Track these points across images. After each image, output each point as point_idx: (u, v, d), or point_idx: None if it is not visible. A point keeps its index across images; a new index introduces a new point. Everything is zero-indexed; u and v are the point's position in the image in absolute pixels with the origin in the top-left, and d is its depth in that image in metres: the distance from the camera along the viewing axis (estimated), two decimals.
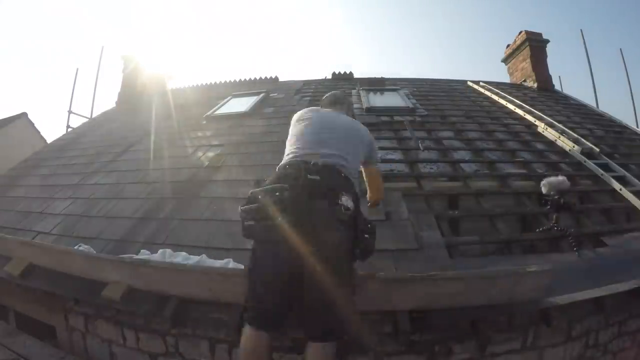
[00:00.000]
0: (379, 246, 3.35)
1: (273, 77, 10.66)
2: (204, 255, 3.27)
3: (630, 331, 3.50)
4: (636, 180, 4.73)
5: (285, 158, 2.44)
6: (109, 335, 3.32)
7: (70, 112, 10.61)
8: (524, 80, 10.52)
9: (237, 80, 10.89)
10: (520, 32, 10.53)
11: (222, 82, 10.99)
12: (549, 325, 2.95)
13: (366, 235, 2.24)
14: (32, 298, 3.71)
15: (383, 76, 10.37)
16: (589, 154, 5.35)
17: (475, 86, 9.67)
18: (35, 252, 3.64)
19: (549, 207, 3.94)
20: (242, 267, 2.98)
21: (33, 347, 3.42)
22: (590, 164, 5.13)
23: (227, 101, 8.38)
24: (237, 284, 2.75)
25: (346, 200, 2.11)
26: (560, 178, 4.12)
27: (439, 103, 7.94)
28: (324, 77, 10.60)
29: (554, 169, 5.12)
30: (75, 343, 3.54)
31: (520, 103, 7.63)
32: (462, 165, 4.92)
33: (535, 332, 3.00)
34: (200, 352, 2.98)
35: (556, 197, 3.93)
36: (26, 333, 3.69)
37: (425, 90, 9.07)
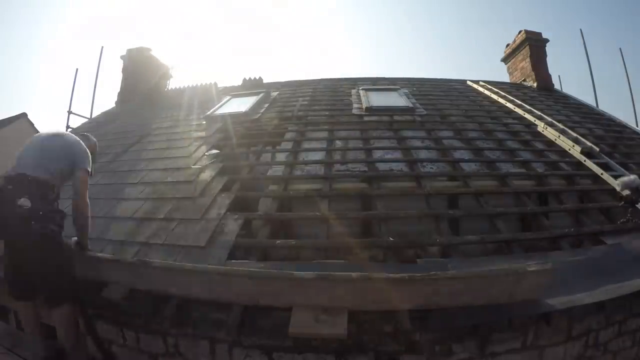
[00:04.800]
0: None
1: (257, 77, 10.55)
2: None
3: (630, 330, 3.50)
4: None
5: None
6: (109, 335, 3.33)
7: (70, 112, 10.58)
8: (524, 80, 10.51)
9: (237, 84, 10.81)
10: (520, 32, 10.52)
11: (222, 83, 10.94)
12: (549, 325, 2.96)
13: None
14: None
15: (383, 76, 10.40)
16: (588, 153, 5.34)
17: (475, 85, 9.67)
18: None
19: (623, 203, 4.22)
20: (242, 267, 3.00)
21: (33, 347, 3.43)
22: (590, 163, 5.13)
23: (227, 101, 8.36)
24: (237, 283, 2.76)
25: (24, 201, 2.75)
26: (632, 177, 4.38)
27: (438, 102, 7.95)
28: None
29: (554, 168, 5.13)
30: None
31: (520, 102, 7.63)
32: (462, 164, 4.93)
33: (536, 331, 3.01)
34: (200, 352, 2.98)
35: (629, 194, 4.21)
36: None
37: (425, 90, 9.06)
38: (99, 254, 3.46)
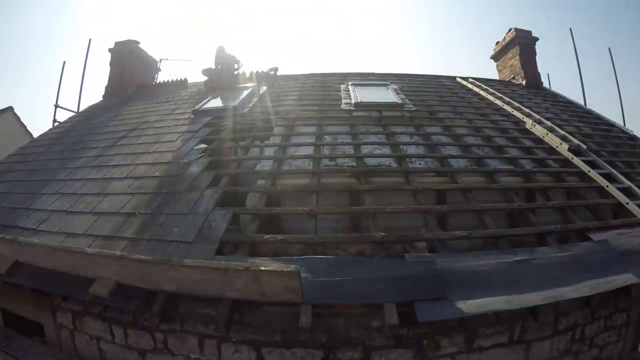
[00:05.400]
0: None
1: (242, 72, 10.43)
2: None
3: (616, 325, 3.55)
4: (622, 178, 4.78)
5: None
6: (97, 332, 3.31)
7: (56, 106, 10.47)
8: (513, 77, 10.56)
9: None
10: (510, 30, 10.55)
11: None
12: (536, 319, 3.00)
13: None
14: (19, 296, 3.68)
15: (372, 71, 10.39)
16: (576, 151, 5.39)
17: (464, 82, 9.69)
18: (21, 249, 3.61)
19: None
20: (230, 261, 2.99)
21: (22, 346, 3.42)
22: (577, 160, 5.18)
23: (216, 95, 8.31)
24: (223, 275, 2.78)
25: None
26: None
27: (427, 98, 7.95)
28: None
29: (542, 165, 5.17)
30: (63, 340, 3.52)
31: (509, 100, 7.67)
32: (450, 160, 4.94)
33: (523, 326, 3.04)
34: (189, 347, 2.98)
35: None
36: (15, 331, 3.69)
37: (414, 86, 9.06)
38: (85, 249, 3.44)
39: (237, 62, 9.35)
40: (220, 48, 9.15)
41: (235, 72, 9.17)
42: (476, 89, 8.86)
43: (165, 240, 3.66)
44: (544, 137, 5.95)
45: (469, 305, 2.72)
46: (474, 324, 2.91)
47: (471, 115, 7.01)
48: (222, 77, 8.93)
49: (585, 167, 5.01)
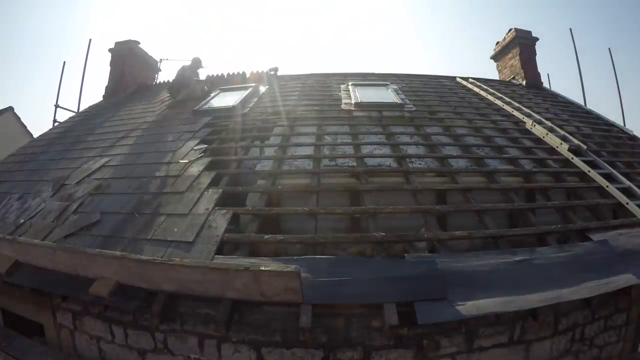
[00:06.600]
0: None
1: (241, 72, 10.41)
2: None
3: (616, 325, 3.55)
4: (622, 178, 4.78)
5: None
6: (97, 332, 3.31)
7: (56, 106, 10.47)
8: (513, 78, 10.56)
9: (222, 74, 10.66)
10: (510, 30, 10.55)
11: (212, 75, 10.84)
12: (536, 319, 2.99)
13: None
14: (19, 296, 3.68)
15: (372, 71, 10.38)
16: (576, 151, 5.39)
17: (464, 82, 9.67)
18: (21, 249, 3.61)
19: None
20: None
21: (22, 346, 3.41)
22: (577, 160, 5.17)
23: (216, 95, 8.31)
24: (223, 275, 2.78)
25: None
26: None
27: (427, 99, 7.95)
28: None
29: (542, 165, 5.17)
30: (63, 340, 3.52)
31: (509, 100, 7.67)
32: (450, 160, 4.95)
33: (523, 326, 3.04)
34: (189, 347, 2.98)
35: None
36: (15, 331, 3.69)
37: (415, 86, 9.05)
38: (85, 249, 3.44)
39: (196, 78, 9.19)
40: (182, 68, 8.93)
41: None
42: (476, 89, 8.86)
43: (165, 240, 3.66)
44: (544, 137, 5.95)
45: (469, 307, 2.73)
46: (474, 324, 2.91)
47: (471, 115, 7.01)
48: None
49: (585, 167, 5.01)
